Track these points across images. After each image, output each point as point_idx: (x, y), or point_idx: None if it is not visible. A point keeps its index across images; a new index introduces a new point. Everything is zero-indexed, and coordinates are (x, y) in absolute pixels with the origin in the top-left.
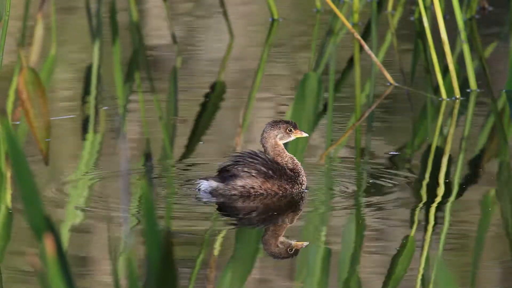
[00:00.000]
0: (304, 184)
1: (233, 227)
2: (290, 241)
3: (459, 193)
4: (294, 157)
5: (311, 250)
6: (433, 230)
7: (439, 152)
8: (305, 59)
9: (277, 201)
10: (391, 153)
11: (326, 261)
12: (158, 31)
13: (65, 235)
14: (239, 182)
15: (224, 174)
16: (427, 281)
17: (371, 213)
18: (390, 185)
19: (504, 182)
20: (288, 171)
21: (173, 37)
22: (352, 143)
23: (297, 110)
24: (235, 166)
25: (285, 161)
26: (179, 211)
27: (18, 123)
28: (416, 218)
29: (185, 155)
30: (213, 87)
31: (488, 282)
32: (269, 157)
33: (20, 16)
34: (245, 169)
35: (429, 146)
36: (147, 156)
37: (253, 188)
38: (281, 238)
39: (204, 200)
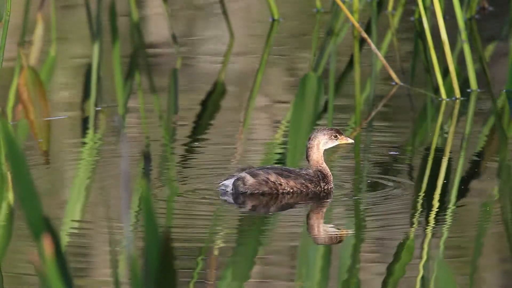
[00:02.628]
0: (327, 188)
1: (233, 227)
2: (336, 230)
3: (459, 193)
4: (328, 168)
5: (311, 250)
6: (433, 231)
7: (439, 152)
8: (305, 59)
9: (281, 200)
10: (391, 153)
11: (326, 261)
12: (158, 31)
13: (64, 237)
14: (271, 178)
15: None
16: (427, 281)
17: (371, 213)
18: (390, 185)
19: (504, 182)
20: (311, 172)
21: (173, 37)
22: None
23: (297, 110)
24: (255, 169)
25: (321, 167)
26: (179, 211)
27: (18, 122)
28: (416, 219)
29: (185, 155)
30: (213, 87)
31: (488, 282)
32: (285, 167)
33: (20, 15)
34: (263, 171)
35: (429, 146)
36: (147, 156)
37: (280, 184)
38: (327, 227)
39: (225, 197)
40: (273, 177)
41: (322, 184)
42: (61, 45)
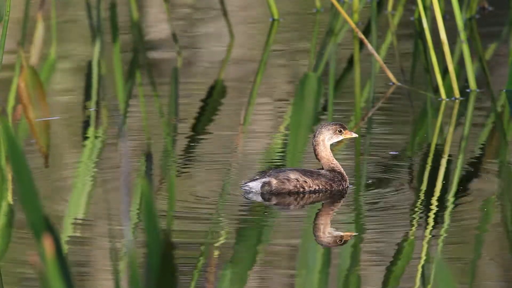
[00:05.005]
0: (346, 183)
1: (233, 226)
2: (339, 232)
3: (459, 193)
4: (339, 165)
5: (311, 250)
6: (433, 230)
7: (439, 152)
8: (305, 59)
9: (303, 200)
10: (391, 152)
11: (326, 261)
12: (159, 31)
13: (65, 237)
14: (292, 176)
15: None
16: (427, 281)
17: (371, 213)
18: (390, 184)
19: (504, 182)
20: (330, 173)
21: (174, 37)
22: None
23: (297, 110)
24: (277, 169)
25: (333, 164)
26: (180, 211)
27: (18, 122)
28: (416, 218)
29: (186, 155)
30: (213, 87)
31: (487, 282)
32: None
33: (20, 16)
34: (289, 169)
35: (429, 146)
36: (148, 156)
37: (305, 182)
38: (330, 229)
39: (251, 197)
40: (294, 175)
41: (343, 183)
42: (61, 45)
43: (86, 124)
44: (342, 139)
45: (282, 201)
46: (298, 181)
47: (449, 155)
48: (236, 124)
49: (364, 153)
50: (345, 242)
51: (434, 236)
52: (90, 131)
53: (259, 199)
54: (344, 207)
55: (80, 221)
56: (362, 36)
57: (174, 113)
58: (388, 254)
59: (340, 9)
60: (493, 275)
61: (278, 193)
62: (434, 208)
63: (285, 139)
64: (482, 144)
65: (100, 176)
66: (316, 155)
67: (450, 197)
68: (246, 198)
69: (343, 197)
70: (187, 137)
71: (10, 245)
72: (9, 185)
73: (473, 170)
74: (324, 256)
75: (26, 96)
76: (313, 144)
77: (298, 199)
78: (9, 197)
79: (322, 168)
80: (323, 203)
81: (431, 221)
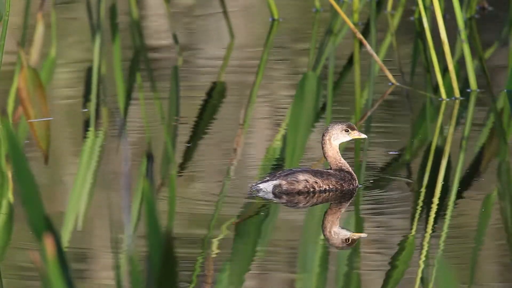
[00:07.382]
0: (356, 182)
1: (233, 226)
2: (347, 232)
3: (459, 193)
4: (347, 164)
5: (311, 249)
6: (433, 230)
7: (439, 152)
8: (305, 59)
9: (312, 200)
10: (391, 152)
11: (325, 260)
12: (159, 31)
13: (66, 236)
14: (301, 177)
15: (279, 174)
16: (427, 281)
17: (371, 213)
18: (390, 184)
19: (504, 182)
20: (339, 172)
21: (174, 37)
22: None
23: (296, 110)
24: (287, 170)
25: (340, 163)
26: (181, 212)
27: (18, 123)
28: (416, 218)
29: (186, 155)
30: (213, 87)
31: (487, 281)
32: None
33: (21, 15)
34: (299, 170)
35: (429, 146)
36: (150, 156)
37: (316, 182)
38: (338, 229)
39: (263, 197)
40: (304, 176)
41: (353, 182)
42: (62, 45)
43: (86, 124)
44: (350, 139)
45: (291, 202)
46: (308, 182)
47: (449, 155)
48: (236, 124)
49: (363, 153)
50: (352, 243)
51: (435, 236)
52: (91, 131)
53: (267, 199)
54: (343, 208)
55: (80, 221)
56: (361, 37)
57: (175, 113)
58: (388, 254)
59: (339, 10)
60: (493, 275)
61: (288, 194)
62: (434, 208)
63: (285, 139)
64: (482, 144)
65: (100, 176)
66: (324, 154)
67: (450, 197)
68: (254, 198)
69: (352, 197)
70: (187, 137)
71: (11, 245)
72: (10, 185)
73: (473, 170)
74: (323, 256)
75: (26, 96)
76: (321, 143)
77: (308, 198)
78: (10, 197)
79: (330, 168)
80: (324, 204)
81: (431, 221)
